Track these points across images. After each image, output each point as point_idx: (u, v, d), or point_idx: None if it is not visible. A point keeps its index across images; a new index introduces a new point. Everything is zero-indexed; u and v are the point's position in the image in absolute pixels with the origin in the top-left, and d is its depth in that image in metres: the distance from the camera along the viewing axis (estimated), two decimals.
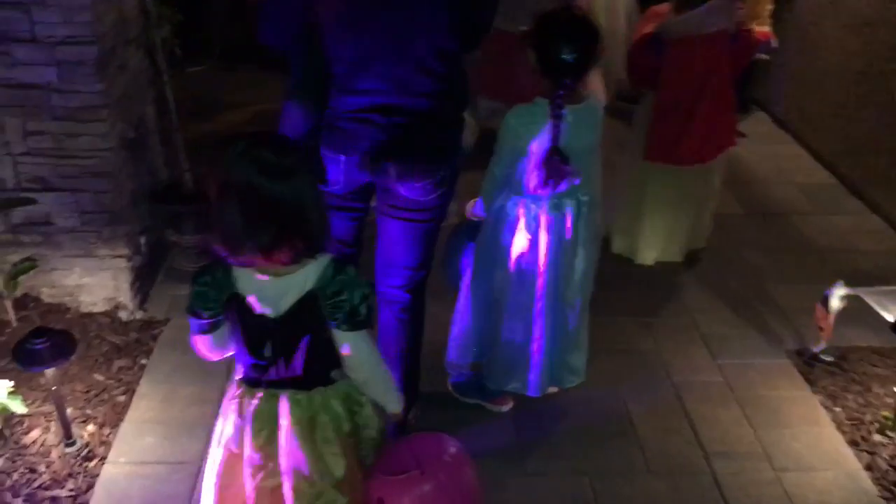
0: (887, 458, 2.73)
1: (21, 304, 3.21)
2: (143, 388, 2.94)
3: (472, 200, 2.61)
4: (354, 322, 1.75)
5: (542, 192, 2.48)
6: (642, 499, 2.60)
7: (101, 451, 2.65)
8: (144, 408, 2.85)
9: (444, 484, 1.89)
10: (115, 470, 2.59)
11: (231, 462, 1.93)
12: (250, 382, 1.89)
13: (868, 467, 2.70)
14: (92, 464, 2.60)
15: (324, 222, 1.73)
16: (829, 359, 3.15)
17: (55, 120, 2.92)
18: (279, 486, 1.88)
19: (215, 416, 2.76)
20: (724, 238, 4.10)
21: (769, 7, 4.81)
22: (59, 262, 3.18)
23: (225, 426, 1.93)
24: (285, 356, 1.81)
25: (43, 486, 2.51)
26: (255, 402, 1.86)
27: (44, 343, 2.44)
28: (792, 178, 4.75)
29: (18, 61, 2.81)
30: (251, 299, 1.75)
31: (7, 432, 2.66)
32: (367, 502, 1.95)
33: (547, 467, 2.69)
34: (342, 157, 2.29)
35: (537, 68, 2.40)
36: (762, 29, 4.70)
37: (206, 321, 1.79)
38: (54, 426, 2.68)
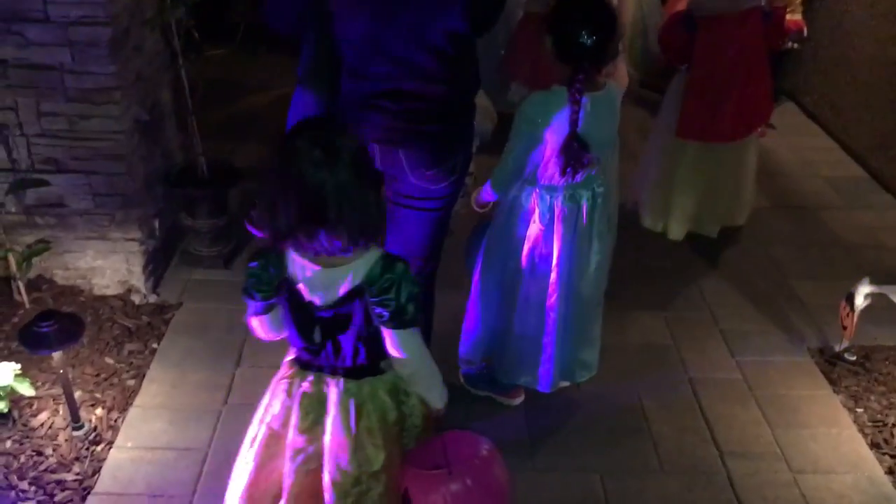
0: None
1: (34, 285, 3.21)
2: (153, 372, 2.92)
3: (478, 189, 2.55)
4: (401, 320, 1.73)
5: (559, 182, 2.42)
6: (654, 498, 2.54)
7: (108, 435, 2.64)
8: (154, 393, 2.84)
9: (470, 487, 1.86)
10: (122, 455, 2.58)
11: (271, 441, 1.94)
12: (302, 364, 1.90)
13: (890, 471, 2.62)
14: (99, 448, 2.59)
15: (375, 216, 1.69)
16: (852, 358, 3.07)
17: (69, 101, 2.90)
18: (318, 470, 1.88)
19: (224, 402, 2.81)
20: (748, 231, 4.01)
21: None
22: (73, 244, 3.17)
23: (272, 404, 1.94)
24: (334, 344, 1.80)
25: (49, 469, 2.50)
26: (304, 385, 1.87)
27: (51, 326, 2.42)
28: (820, 170, 4.63)
29: (31, 42, 2.79)
30: (300, 286, 1.75)
31: (15, 414, 2.66)
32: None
33: (557, 463, 2.64)
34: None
35: (554, 54, 2.33)
36: (793, 17, 4.56)
37: (259, 303, 1.82)
38: (62, 409, 2.67)
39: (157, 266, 3.37)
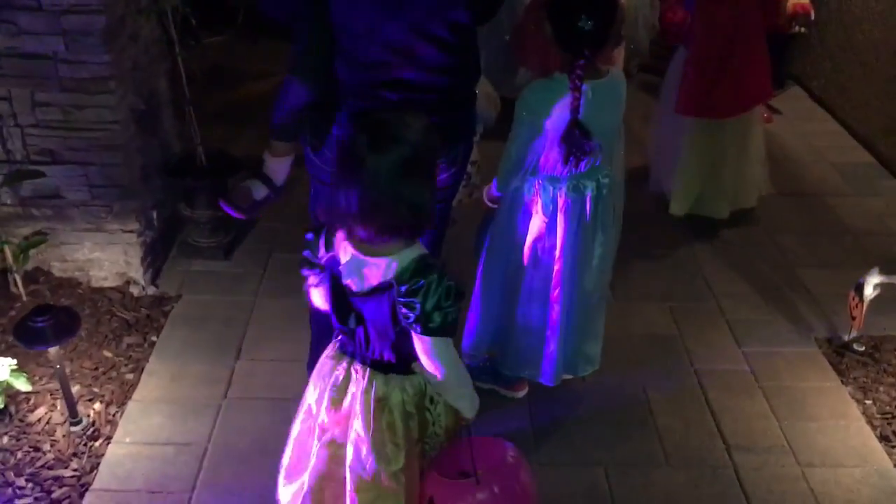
0: None
1: (31, 278, 3.18)
2: (152, 365, 2.89)
3: (488, 185, 2.51)
4: (426, 327, 1.67)
5: (561, 172, 2.37)
6: (660, 493, 2.51)
7: (106, 430, 2.61)
8: (153, 386, 2.80)
9: (497, 495, 1.83)
10: (120, 450, 2.55)
11: (308, 417, 1.96)
12: (341, 347, 1.89)
13: None
14: (97, 443, 2.56)
15: (408, 214, 1.64)
16: (860, 348, 3.02)
17: (63, 91, 2.85)
18: (342, 455, 1.88)
19: (224, 395, 2.78)
20: (754, 218, 3.96)
21: None
22: (69, 235, 3.13)
23: (314, 381, 1.95)
24: (365, 333, 1.79)
25: (47, 465, 2.47)
26: (339, 368, 1.87)
27: (46, 321, 2.39)
28: (827, 156, 4.57)
29: (23, 30, 2.74)
30: (341, 267, 1.74)
31: (12, 409, 2.63)
32: (419, 497, 1.91)
33: (561, 457, 2.60)
34: None
35: (553, 40, 2.28)
36: (801, 0, 4.51)
37: (312, 275, 1.82)
38: (60, 404, 2.64)
39: (155, 258, 3.33)
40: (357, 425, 1.84)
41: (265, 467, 2.50)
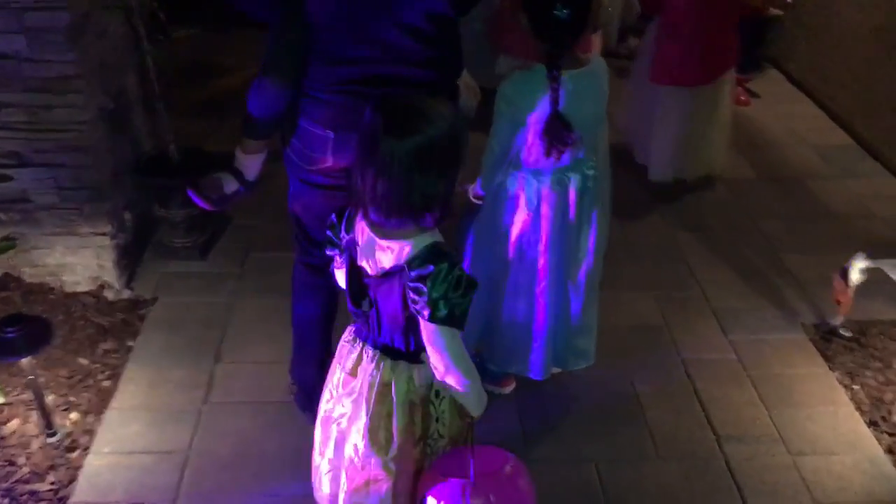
0: None
1: (2, 284, 3.08)
2: (130, 371, 2.81)
3: (473, 184, 2.45)
4: (433, 316, 1.63)
5: (545, 166, 2.32)
6: (652, 487, 2.48)
7: (84, 440, 2.53)
8: (130, 393, 2.73)
9: (493, 502, 1.77)
10: (99, 461, 2.47)
11: (327, 404, 1.94)
12: (357, 332, 1.87)
13: (889, 450, 2.57)
14: (74, 455, 2.48)
15: (419, 201, 1.60)
16: (847, 333, 3.01)
17: (27, 91, 2.75)
18: (343, 438, 1.86)
19: (204, 401, 2.71)
20: (736, 204, 3.95)
21: None
22: (40, 240, 3.04)
23: (335, 367, 1.93)
24: (377, 316, 1.76)
25: (22, 479, 2.39)
26: (353, 353, 1.85)
27: (17, 331, 2.30)
28: (807, 139, 4.56)
29: None
30: (358, 249, 1.73)
31: None
32: (413, 496, 1.88)
33: (551, 453, 2.56)
34: (331, 134, 2.11)
35: (530, 31, 2.22)
36: None
37: (334, 255, 1.80)
38: (35, 415, 2.56)
39: (129, 260, 3.24)
40: (359, 408, 1.82)
41: (248, 473, 2.46)
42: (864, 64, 4.46)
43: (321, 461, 1.95)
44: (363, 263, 1.72)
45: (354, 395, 1.83)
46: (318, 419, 1.97)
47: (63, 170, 2.91)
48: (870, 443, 2.60)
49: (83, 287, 3.13)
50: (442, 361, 1.71)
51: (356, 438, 1.83)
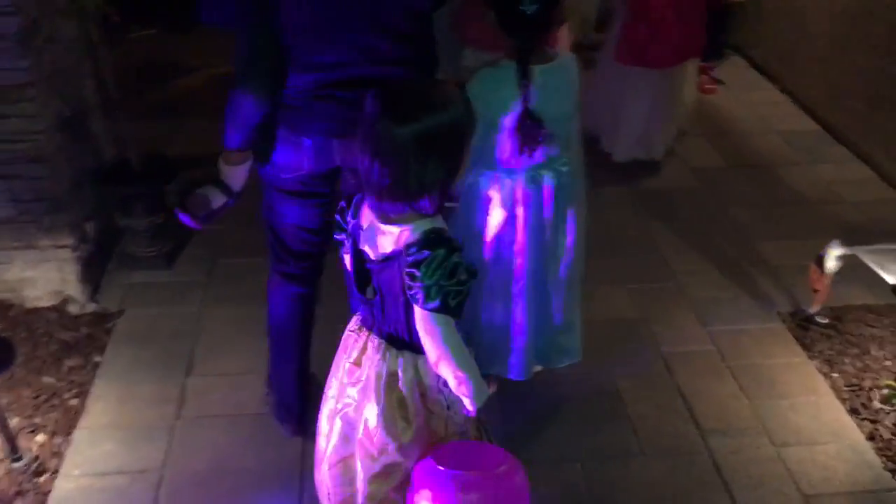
0: (890, 426, 2.60)
1: None
2: (98, 388, 2.72)
3: None
4: (426, 303, 1.60)
5: (516, 164, 2.27)
6: (638, 484, 2.45)
7: (52, 463, 2.44)
8: (99, 411, 2.63)
9: (487, 497, 1.74)
10: (69, 484, 2.38)
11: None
12: (362, 321, 1.85)
13: (871, 437, 2.57)
14: (43, 479, 2.39)
15: (416, 187, 1.58)
16: (824, 321, 3.01)
17: None
18: (355, 429, 1.83)
19: (177, 416, 2.63)
20: (708, 193, 3.94)
21: None
22: None
23: (339, 356, 1.90)
24: (382, 304, 1.73)
25: None
26: (358, 343, 1.83)
27: None
28: (773, 126, 4.57)
29: None
30: (361, 233, 1.72)
31: None
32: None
33: (535, 454, 2.51)
34: (307, 141, 2.04)
35: (498, 27, 2.17)
36: None
37: (341, 240, 1.78)
38: None
39: (93, 272, 3.14)
40: (368, 398, 1.79)
41: (226, 489, 2.39)
42: (828, 49, 4.48)
43: (328, 455, 1.91)
44: (365, 247, 1.71)
45: (360, 385, 1.81)
46: (322, 413, 1.94)
47: (19, 181, 2.80)
48: (852, 431, 2.60)
49: (45, 302, 3.02)
50: (435, 350, 1.67)
51: (370, 427, 1.79)
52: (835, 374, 2.81)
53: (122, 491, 2.37)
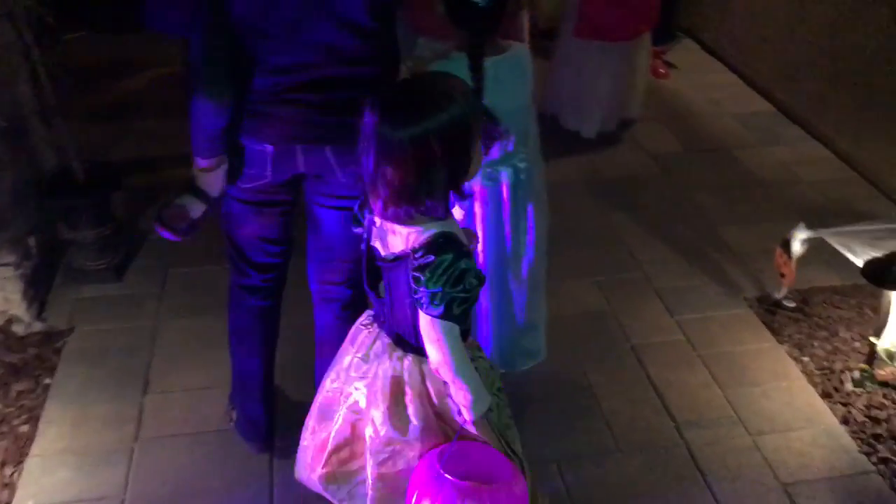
0: (862, 408, 2.60)
1: None
2: (49, 412, 2.58)
3: None
4: (430, 308, 1.58)
5: None
6: (616, 482, 2.40)
7: (4, 495, 2.31)
8: (53, 436, 2.50)
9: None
10: None
11: (337, 380, 1.90)
12: (374, 317, 1.83)
13: (844, 421, 2.57)
14: None
15: (420, 191, 1.53)
16: (791, 304, 3.00)
17: None
18: (363, 423, 1.82)
19: (135, 437, 2.51)
20: (667, 179, 3.92)
21: None
22: None
23: (347, 347, 1.88)
24: (391, 305, 1.71)
25: None
26: (368, 338, 1.82)
27: None
28: (728, 108, 4.57)
29: None
30: (374, 229, 1.69)
31: None
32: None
33: None
34: (270, 149, 1.94)
35: (446, 18, 2.10)
36: None
37: (360, 234, 1.76)
38: None
39: (38, 289, 2.99)
40: (374, 396, 1.78)
41: None
42: (777, 30, 4.48)
43: (313, 441, 1.91)
44: (376, 244, 1.69)
45: (368, 380, 1.79)
46: (317, 400, 1.92)
47: None
48: (825, 415, 2.59)
49: None
50: (436, 355, 1.65)
51: (377, 423, 1.77)
52: (805, 358, 2.80)
53: None
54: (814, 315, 2.98)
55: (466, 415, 1.71)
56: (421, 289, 1.56)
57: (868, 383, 2.62)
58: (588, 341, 2.91)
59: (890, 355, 2.61)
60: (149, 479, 2.38)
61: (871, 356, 2.67)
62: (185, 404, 2.62)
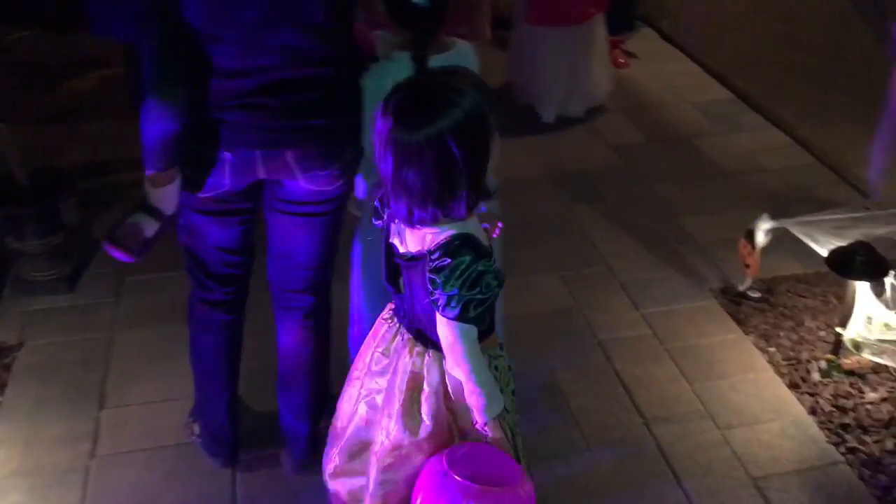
0: (830, 397, 2.59)
1: None
2: (0, 432, 2.49)
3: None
4: (446, 310, 1.56)
5: None
6: (586, 482, 2.37)
7: None
8: (3, 458, 2.40)
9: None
10: None
11: (359, 378, 1.88)
12: (395, 311, 1.81)
13: (812, 411, 2.56)
14: None
15: (436, 193, 1.50)
16: (756, 295, 2.99)
17: None
18: (376, 419, 1.82)
19: (91, 454, 2.42)
20: (629, 170, 3.90)
21: None
22: None
23: (369, 342, 1.87)
24: (411, 301, 1.69)
25: None
26: (388, 332, 1.80)
27: None
28: (688, 97, 4.56)
29: None
30: (393, 225, 1.67)
31: None
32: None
33: None
34: (228, 156, 1.86)
35: (387, 18, 2.03)
36: None
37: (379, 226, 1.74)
38: None
39: None
40: (391, 391, 1.76)
41: None
42: (734, 17, 4.49)
43: (347, 435, 1.88)
44: (394, 241, 1.67)
45: (388, 375, 1.78)
46: (345, 392, 1.90)
47: None
48: (793, 406, 2.58)
49: None
50: (451, 355, 1.64)
51: (389, 420, 1.76)
52: (772, 349, 2.79)
53: None
54: (779, 305, 2.97)
55: (479, 417, 1.69)
56: (437, 291, 1.55)
57: (835, 373, 2.61)
58: (554, 338, 2.88)
59: (856, 345, 2.61)
60: (105, 498, 2.30)
61: (838, 346, 2.67)
62: (142, 418, 2.54)
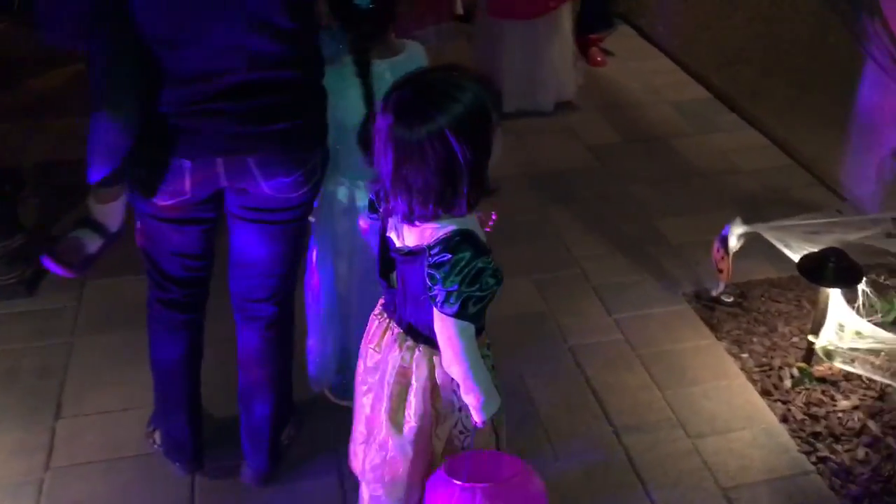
0: (802, 405, 2.56)
1: None
2: None
3: None
4: (444, 307, 1.55)
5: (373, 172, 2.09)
6: (554, 493, 2.24)
7: None
8: None
9: None
10: None
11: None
12: (385, 307, 1.80)
13: (784, 419, 2.52)
14: None
15: (437, 190, 1.49)
16: (729, 299, 2.96)
17: None
18: (370, 415, 1.83)
19: (46, 466, 2.36)
20: (604, 171, 3.86)
21: None
22: None
23: (366, 339, 1.85)
24: (404, 295, 1.68)
25: None
26: (380, 328, 1.79)
27: None
28: (665, 96, 4.53)
29: None
30: (390, 220, 1.65)
31: None
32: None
33: None
34: (187, 164, 1.80)
35: (332, 20, 1.98)
36: None
37: (371, 221, 1.78)
38: None
39: None
40: (381, 386, 1.76)
41: None
42: (713, 16, 4.44)
43: (358, 429, 1.90)
44: (391, 235, 1.66)
45: (378, 372, 1.78)
46: (355, 392, 1.90)
47: None
48: (765, 414, 2.55)
49: None
50: (448, 353, 1.63)
51: (379, 417, 1.76)
52: (744, 355, 2.76)
53: None
54: (752, 310, 2.94)
55: (476, 416, 1.68)
56: (436, 287, 1.53)
57: (807, 381, 2.58)
58: (525, 343, 2.83)
59: (828, 353, 2.58)
60: None
61: (810, 353, 2.64)
62: (100, 428, 2.48)
